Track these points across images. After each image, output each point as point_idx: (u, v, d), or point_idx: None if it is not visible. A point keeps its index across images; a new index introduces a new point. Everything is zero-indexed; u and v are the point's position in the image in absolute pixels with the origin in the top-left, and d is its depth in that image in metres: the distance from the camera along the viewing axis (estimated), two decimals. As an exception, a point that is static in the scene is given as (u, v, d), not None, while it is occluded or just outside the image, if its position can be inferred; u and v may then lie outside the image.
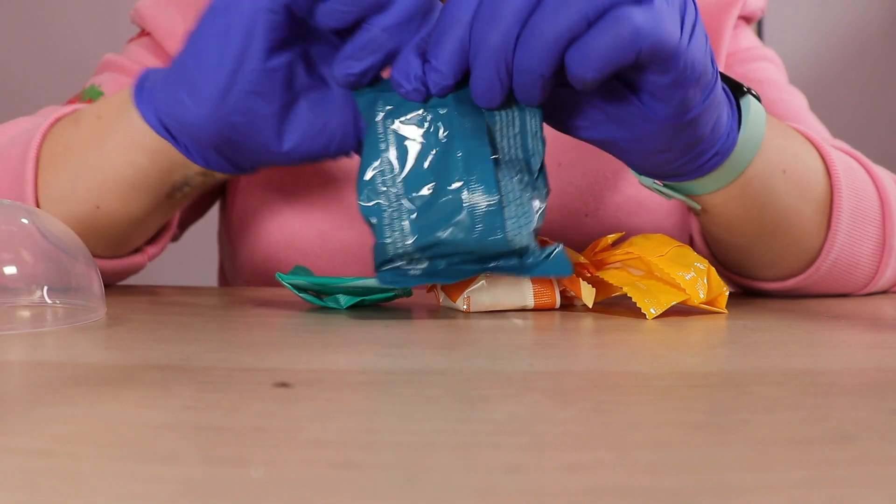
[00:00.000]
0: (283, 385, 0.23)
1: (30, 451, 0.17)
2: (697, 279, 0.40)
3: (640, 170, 0.42)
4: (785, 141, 0.45)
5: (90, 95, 0.58)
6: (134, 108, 0.41)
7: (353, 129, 0.38)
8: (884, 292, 0.54)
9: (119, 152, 0.42)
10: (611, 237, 0.44)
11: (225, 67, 0.34)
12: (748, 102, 0.42)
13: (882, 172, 0.51)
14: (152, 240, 0.53)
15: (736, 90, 0.43)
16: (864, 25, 1.68)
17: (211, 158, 0.41)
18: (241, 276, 0.66)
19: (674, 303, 0.39)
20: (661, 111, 0.36)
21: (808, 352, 0.30)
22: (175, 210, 0.48)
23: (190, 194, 0.46)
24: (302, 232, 0.60)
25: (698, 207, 0.45)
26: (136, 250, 0.52)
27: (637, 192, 0.61)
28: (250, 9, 0.34)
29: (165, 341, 0.31)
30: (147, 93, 0.41)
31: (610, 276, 0.41)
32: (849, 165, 0.49)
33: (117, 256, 0.50)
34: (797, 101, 0.63)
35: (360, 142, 0.38)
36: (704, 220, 0.48)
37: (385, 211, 0.35)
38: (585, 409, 0.21)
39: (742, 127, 0.41)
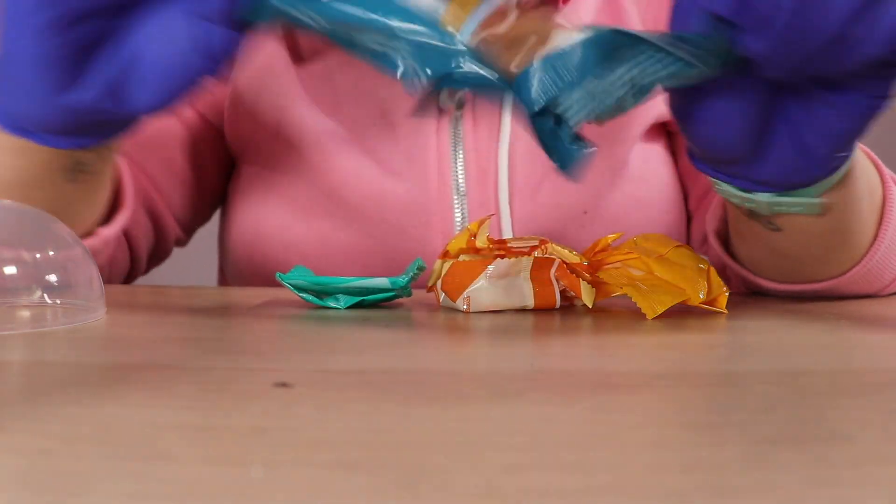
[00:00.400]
0: (284, 385, 0.23)
1: (30, 451, 0.17)
2: (697, 279, 0.40)
3: (797, 175, 0.37)
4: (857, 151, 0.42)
5: None
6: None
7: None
8: None
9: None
10: (610, 237, 0.44)
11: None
12: None
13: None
14: (107, 221, 0.50)
15: None
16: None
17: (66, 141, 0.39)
18: (240, 279, 0.66)
19: (674, 303, 0.39)
20: (862, 102, 0.32)
21: (807, 352, 0.30)
22: (94, 190, 0.46)
23: (100, 170, 0.44)
24: (301, 234, 0.60)
25: (819, 210, 0.40)
26: (88, 234, 0.49)
27: (635, 190, 0.61)
28: None
29: (166, 341, 0.31)
30: None
31: (610, 276, 0.41)
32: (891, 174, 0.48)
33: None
34: None
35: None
36: (775, 237, 0.45)
37: None
38: (585, 408, 0.21)
39: None
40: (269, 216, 0.61)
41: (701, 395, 0.22)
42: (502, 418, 0.20)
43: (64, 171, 0.42)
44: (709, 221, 0.54)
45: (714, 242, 0.54)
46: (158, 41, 0.34)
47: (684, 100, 0.36)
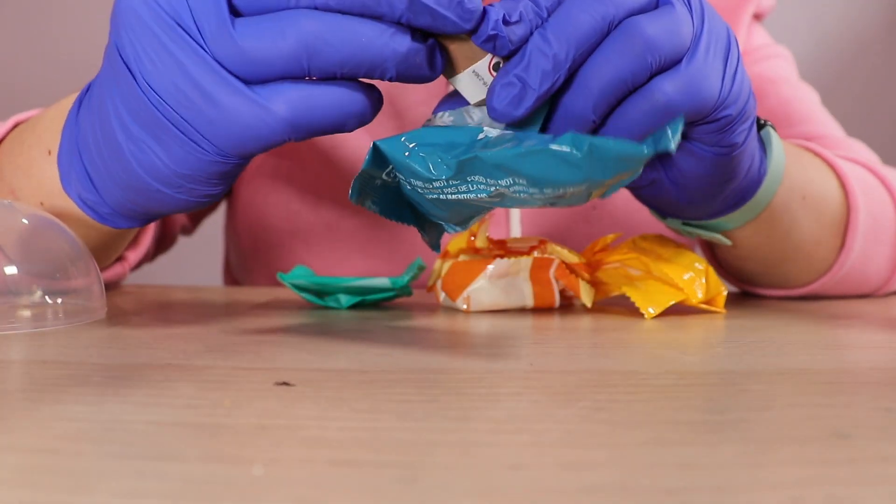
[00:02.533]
0: (284, 384, 0.23)
1: (32, 450, 0.17)
2: (695, 279, 0.41)
3: (678, 211, 0.41)
4: (802, 167, 0.45)
5: None
6: (78, 210, 0.37)
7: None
8: None
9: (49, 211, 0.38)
10: (609, 237, 0.44)
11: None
12: (769, 134, 0.42)
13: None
14: (132, 243, 0.50)
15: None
16: (862, 26, 1.69)
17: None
18: (245, 269, 0.65)
19: (672, 302, 0.39)
20: (709, 151, 0.36)
21: (805, 351, 0.30)
22: (134, 231, 0.44)
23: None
24: (309, 222, 0.59)
25: (728, 243, 0.45)
26: (117, 259, 0.49)
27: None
28: None
29: (166, 340, 0.31)
30: (86, 195, 0.36)
31: (608, 276, 0.41)
32: (864, 181, 0.50)
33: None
34: (810, 97, 0.63)
35: None
36: (724, 251, 0.49)
37: None
38: (584, 408, 0.21)
39: (768, 159, 0.41)
40: (276, 203, 0.61)
41: (699, 394, 0.22)
42: (502, 417, 0.20)
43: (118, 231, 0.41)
44: None
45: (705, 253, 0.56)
46: None
47: None
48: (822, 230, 0.47)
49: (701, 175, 0.37)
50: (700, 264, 0.41)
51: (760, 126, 0.43)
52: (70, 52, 1.78)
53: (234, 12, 0.28)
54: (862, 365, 0.27)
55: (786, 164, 0.43)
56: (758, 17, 0.67)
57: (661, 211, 0.42)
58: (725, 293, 0.41)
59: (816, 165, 0.47)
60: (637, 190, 0.40)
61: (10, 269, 0.34)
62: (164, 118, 0.29)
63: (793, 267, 0.48)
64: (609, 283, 0.41)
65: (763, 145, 0.42)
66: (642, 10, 0.30)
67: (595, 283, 0.42)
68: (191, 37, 0.28)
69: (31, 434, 0.18)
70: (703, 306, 0.41)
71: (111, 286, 0.51)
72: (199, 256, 1.09)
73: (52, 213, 0.38)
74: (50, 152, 0.37)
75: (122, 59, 0.29)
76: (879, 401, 0.21)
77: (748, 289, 0.53)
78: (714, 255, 0.54)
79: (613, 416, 0.20)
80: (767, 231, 0.44)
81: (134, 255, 0.51)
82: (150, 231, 0.52)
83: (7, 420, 0.19)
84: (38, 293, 0.35)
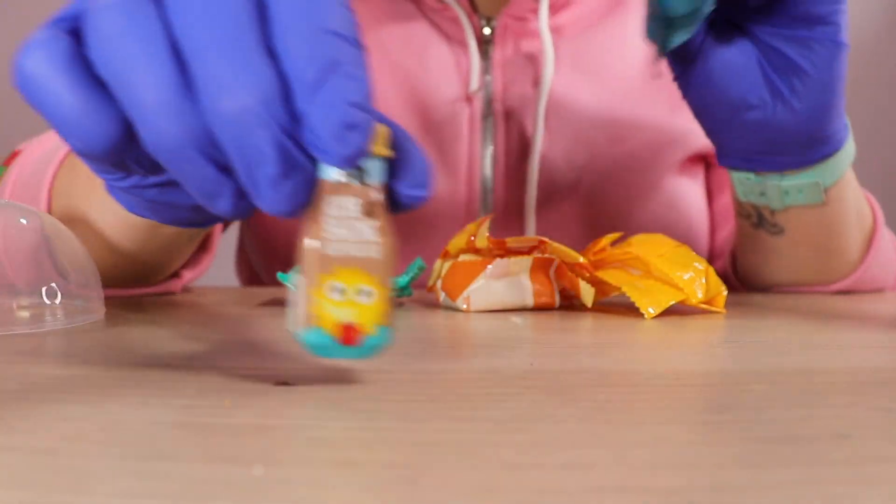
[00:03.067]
0: (284, 384, 0.23)
1: (32, 450, 0.17)
2: (696, 279, 0.41)
3: (781, 148, 0.45)
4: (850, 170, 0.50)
5: None
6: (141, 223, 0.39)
7: None
8: None
9: (118, 223, 0.40)
10: (610, 237, 0.44)
11: None
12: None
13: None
14: (189, 263, 0.51)
15: None
16: (862, 26, 1.69)
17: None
18: (258, 252, 0.66)
19: (672, 302, 0.39)
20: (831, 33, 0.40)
21: (804, 351, 0.30)
22: (202, 235, 0.46)
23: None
24: None
25: (820, 200, 0.48)
26: (173, 275, 0.49)
27: (663, 215, 0.61)
28: None
29: (166, 341, 0.31)
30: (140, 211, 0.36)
31: (609, 275, 0.41)
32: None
33: (150, 285, 0.48)
34: None
35: None
36: (761, 252, 0.53)
37: None
38: (584, 408, 0.21)
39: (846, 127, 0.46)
40: None
41: (699, 394, 0.22)
42: (502, 417, 0.20)
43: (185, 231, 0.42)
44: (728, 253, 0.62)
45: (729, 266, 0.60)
46: None
47: (692, 64, 0.43)
48: (858, 231, 0.52)
49: (829, 63, 0.41)
50: (700, 264, 0.41)
51: None
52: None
53: None
54: (861, 365, 0.27)
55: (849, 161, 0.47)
56: None
57: (755, 154, 0.46)
58: (725, 293, 0.41)
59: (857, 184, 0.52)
60: (747, 113, 0.43)
61: (9, 270, 0.34)
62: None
63: (835, 260, 0.52)
64: (609, 283, 0.41)
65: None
66: None
67: (595, 283, 0.42)
68: None
69: (30, 434, 0.18)
70: (703, 306, 0.41)
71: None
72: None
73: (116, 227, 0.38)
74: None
75: None
76: (879, 401, 0.22)
77: (774, 290, 0.55)
78: (736, 263, 0.57)
79: (613, 416, 0.20)
80: (834, 210, 0.49)
81: (190, 275, 0.51)
82: (211, 252, 0.52)
83: (6, 420, 0.19)
84: (37, 294, 0.35)
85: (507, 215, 0.59)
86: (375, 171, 0.22)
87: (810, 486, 0.15)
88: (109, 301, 0.41)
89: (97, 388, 0.23)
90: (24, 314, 0.34)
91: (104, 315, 0.38)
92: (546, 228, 0.59)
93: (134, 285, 0.47)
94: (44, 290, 0.35)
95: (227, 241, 0.70)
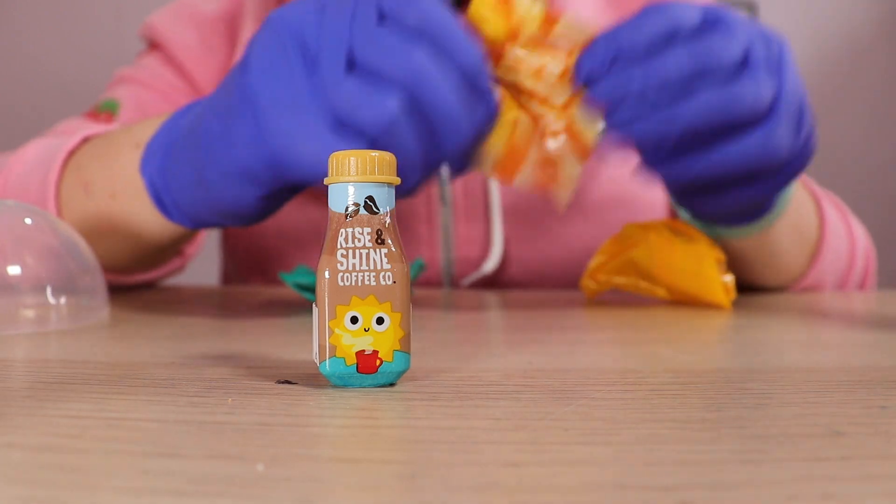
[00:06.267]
0: (287, 382, 0.23)
1: (38, 447, 0.17)
2: (709, 273, 0.43)
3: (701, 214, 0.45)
4: (798, 191, 0.50)
5: (107, 108, 0.58)
6: (147, 199, 0.41)
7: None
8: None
9: (139, 236, 0.43)
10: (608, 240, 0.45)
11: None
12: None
13: (855, 222, 0.58)
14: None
15: None
16: (860, 26, 1.69)
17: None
18: (234, 263, 0.66)
19: (680, 294, 0.40)
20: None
21: (801, 350, 0.30)
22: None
23: None
24: (296, 221, 0.60)
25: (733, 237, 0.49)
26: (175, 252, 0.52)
27: (616, 186, 0.61)
28: None
29: (169, 339, 0.31)
30: (157, 179, 0.40)
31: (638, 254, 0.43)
32: (835, 218, 0.55)
33: (156, 268, 0.51)
34: None
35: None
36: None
37: None
38: (583, 405, 0.21)
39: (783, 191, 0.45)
40: None
41: (696, 392, 0.23)
42: (501, 415, 0.20)
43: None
44: None
45: None
46: None
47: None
48: (801, 251, 0.52)
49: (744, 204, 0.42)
50: (718, 256, 0.43)
51: None
52: (75, 65, 1.78)
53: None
54: (857, 363, 0.27)
55: (790, 196, 0.47)
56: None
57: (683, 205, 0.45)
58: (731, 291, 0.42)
59: (804, 193, 0.53)
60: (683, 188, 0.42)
61: (14, 270, 0.34)
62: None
63: (776, 276, 0.53)
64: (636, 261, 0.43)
65: None
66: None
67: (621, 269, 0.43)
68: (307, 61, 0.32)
69: (35, 431, 0.18)
70: (707, 301, 0.41)
71: (168, 278, 0.54)
72: (201, 256, 1.09)
73: (122, 202, 0.42)
74: (138, 145, 0.41)
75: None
76: (874, 399, 0.22)
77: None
78: None
79: (612, 414, 0.20)
80: (772, 239, 0.49)
81: (192, 249, 0.55)
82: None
83: (12, 418, 0.19)
84: (42, 294, 0.35)
85: (469, 208, 0.59)
86: (384, 199, 0.23)
87: (807, 483, 0.15)
88: (113, 301, 0.41)
89: (102, 385, 0.23)
90: (30, 314, 0.34)
91: (108, 314, 0.38)
92: (508, 206, 0.59)
93: (140, 271, 0.50)
94: (48, 289, 0.35)
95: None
